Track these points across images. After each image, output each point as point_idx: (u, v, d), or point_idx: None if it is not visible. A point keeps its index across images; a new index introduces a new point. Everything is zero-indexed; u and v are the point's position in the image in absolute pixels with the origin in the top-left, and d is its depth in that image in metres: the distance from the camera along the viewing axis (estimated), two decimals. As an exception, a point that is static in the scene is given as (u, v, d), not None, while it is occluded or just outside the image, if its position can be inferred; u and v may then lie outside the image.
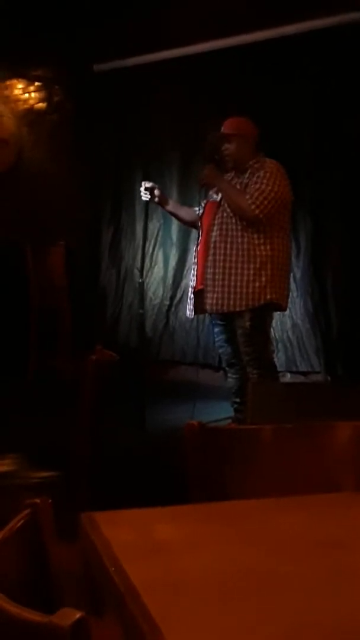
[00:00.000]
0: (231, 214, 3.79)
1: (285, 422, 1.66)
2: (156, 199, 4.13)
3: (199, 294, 3.94)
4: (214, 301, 3.81)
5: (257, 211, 3.70)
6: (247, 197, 3.72)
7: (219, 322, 3.96)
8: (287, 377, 5.04)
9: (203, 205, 4.05)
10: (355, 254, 4.93)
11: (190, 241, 5.14)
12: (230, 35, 5.11)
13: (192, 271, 4.04)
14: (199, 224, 4.03)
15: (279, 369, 4.29)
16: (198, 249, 3.99)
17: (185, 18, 5.12)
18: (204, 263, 3.89)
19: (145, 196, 4.13)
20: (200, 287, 3.92)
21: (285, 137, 4.97)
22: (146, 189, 4.11)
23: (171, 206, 4.29)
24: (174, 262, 5.61)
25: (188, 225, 4.45)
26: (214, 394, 4.62)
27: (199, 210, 4.07)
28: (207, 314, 4.12)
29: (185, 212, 4.30)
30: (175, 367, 5.62)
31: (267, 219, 3.74)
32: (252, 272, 3.75)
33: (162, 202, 4.19)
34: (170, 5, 5.24)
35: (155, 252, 5.68)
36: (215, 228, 3.84)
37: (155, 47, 5.41)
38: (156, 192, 4.13)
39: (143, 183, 4.17)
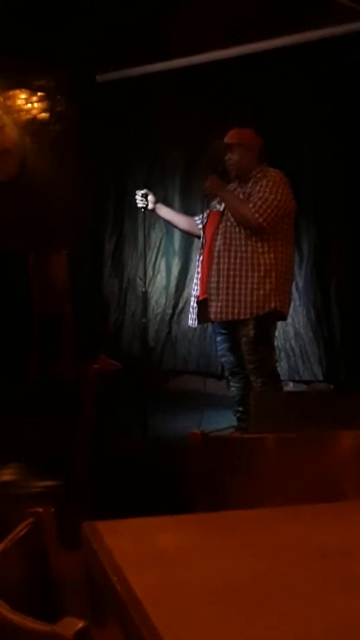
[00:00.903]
0: (235, 223, 3.80)
1: (288, 431, 1.66)
2: (150, 205, 4.15)
3: (202, 303, 3.95)
4: (219, 309, 3.81)
5: (260, 220, 3.71)
6: (251, 206, 3.73)
7: (221, 330, 3.96)
8: (290, 386, 5.04)
9: (206, 214, 4.06)
10: (358, 262, 4.93)
11: (193, 250, 5.15)
12: (232, 45, 5.14)
13: (195, 280, 4.04)
14: (202, 233, 4.03)
15: (281, 378, 4.29)
16: (202, 258, 3.99)
17: (188, 29, 5.14)
18: (208, 272, 3.89)
19: (141, 203, 4.15)
20: (203, 296, 3.93)
21: (287, 146, 4.99)
22: (142, 195, 4.14)
23: (166, 212, 4.30)
24: (176, 271, 5.62)
25: (185, 233, 4.48)
26: (217, 403, 4.61)
27: (202, 219, 4.08)
28: (209, 323, 4.13)
29: (181, 220, 4.31)
30: (177, 376, 5.62)
31: (271, 228, 3.75)
32: (256, 280, 3.75)
33: (156, 208, 4.20)
34: (173, 15, 5.27)
35: (157, 261, 5.69)
36: (219, 237, 3.85)
37: (157, 57, 5.43)
38: (150, 197, 4.15)
39: (137, 191, 4.19)
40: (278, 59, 5.03)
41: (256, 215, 3.71)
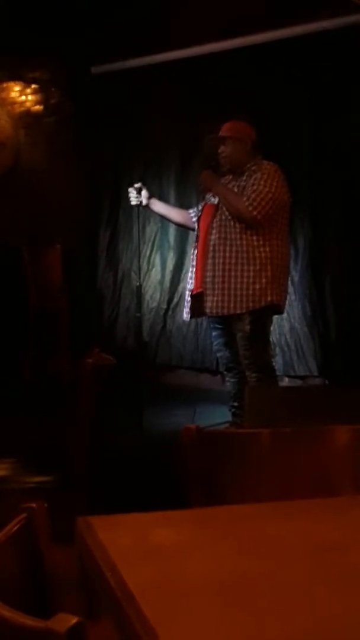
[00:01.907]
0: (230, 217, 3.79)
1: (283, 426, 1.66)
2: (144, 201, 4.14)
3: (196, 297, 3.94)
4: (214, 304, 3.80)
5: (254, 212, 3.70)
6: (245, 199, 3.72)
7: (217, 325, 3.95)
8: (285, 381, 5.04)
9: (200, 207, 4.05)
10: (354, 257, 4.93)
11: (188, 245, 5.14)
12: (229, 37, 5.12)
13: (190, 274, 4.04)
14: (197, 226, 4.02)
15: (277, 372, 4.28)
16: (196, 251, 3.99)
17: (184, 20, 5.12)
18: (202, 266, 3.88)
19: (135, 200, 4.14)
20: (198, 290, 3.92)
21: (284, 139, 4.97)
22: (136, 189, 4.12)
23: (160, 207, 4.29)
24: (171, 265, 5.61)
25: (180, 226, 4.48)
26: (212, 398, 4.61)
27: (197, 212, 4.07)
28: (204, 318, 4.12)
29: (175, 214, 4.31)
30: (172, 371, 5.62)
31: (266, 221, 3.74)
32: (252, 274, 3.74)
33: (150, 203, 4.19)
34: (169, 7, 5.25)
35: (152, 255, 5.68)
36: (214, 231, 3.84)
37: (153, 49, 5.41)
38: (143, 193, 4.14)
39: (130, 188, 4.17)
40: (276, 53, 5.01)
41: (250, 209, 3.70)
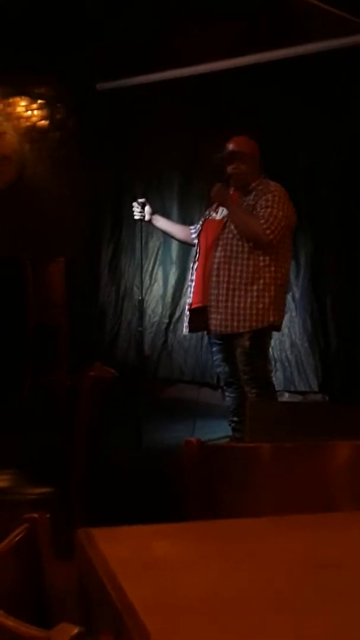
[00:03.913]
0: (237, 236, 3.78)
1: (284, 441, 1.66)
2: (147, 216, 4.16)
3: (195, 311, 3.95)
4: (218, 322, 3.80)
5: (271, 236, 3.71)
6: (263, 221, 3.72)
7: (216, 341, 3.96)
8: (285, 397, 5.04)
9: (200, 223, 4.06)
10: (355, 273, 4.95)
11: (190, 260, 5.15)
12: (231, 57, 5.17)
13: (190, 288, 4.05)
14: (197, 242, 4.03)
15: (277, 388, 4.29)
16: (196, 266, 4.00)
17: (188, 39, 5.17)
18: (202, 282, 3.89)
19: (138, 214, 4.16)
20: (197, 304, 3.93)
21: (284, 156, 5.00)
22: (139, 204, 4.14)
23: (163, 223, 4.31)
24: (173, 280, 5.63)
25: (182, 243, 4.49)
26: (212, 412, 4.61)
27: (197, 229, 4.08)
28: (205, 333, 4.13)
29: (177, 230, 4.32)
30: (173, 385, 5.62)
31: (277, 243, 3.76)
32: (255, 293, 3.75)
33: (153, 219, 4.21)
34: (173, 26, 5.30)
35: (155, 270, 5.70)
36: (219, 249, 3.82)
37: (157, 67, 5.46)
38: (146, 208, 4.16)
39: (135, 203, 4.19)
40: (276, 71, 5.05)
41: (267, 232, 3.70)
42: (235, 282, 3.77)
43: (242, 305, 3.75)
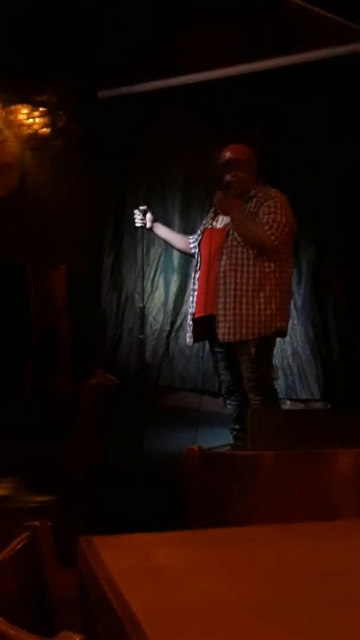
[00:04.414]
0: (241, 243, 3.78)
1: (285, 449, 1.66)
2: (148, 224, 4.16)
3: (198, 320, 3.94)
4: (226, 331, 3.78)
5: (276, 242, 3.71)
6: (267, 227, 3.72)
7: (219, 349, 3.95)
8: (287, 405, 5.03)
9: (200, 232, 4.06)
10: (356, 280, 4.95)
11: (192, 268, 5.16)
12: (234, 64, 5.19)
13: (192, 298, 4.04)
14: (197, 251, 4.03)
15: (279, 396, 4.28)
16: (197, 275, 3.99)
17: (189, 46, 5.19)
18: (205, 291, 3.88)
19: (140, 222, 4.16)
20: (200, 314, 3.92)
21: (285, 163, 5.02)
22: (141, 211, 4.15)
23: (163, 231, 4.31)
24: (174, 287, 5.63)
25: (182, 252, 4.49)
26: (214, 420, 4.60)
27: (196, 238, 4.08)
28: (206, 340, 4.12)
29: (177, 239, 4.32)
30: (174, 392, 5.61)
31: (281, 248, 3.76)
32: (262, 300, 3.75)
33: (154, 227, 4.21)
34: (175, 34, 5.31)
35: (156, 277, 5.70)
36: (224, 257, 3.82)
37: (158, 74, 5.48)
38: (148, 216, 4.16)
39: (136, 210, 4.20)
40: (279, 79, 5.07)
41: (272, 238, 3.70)
42: (242, 290, 3.76)
43: (250, 312, 3.75)
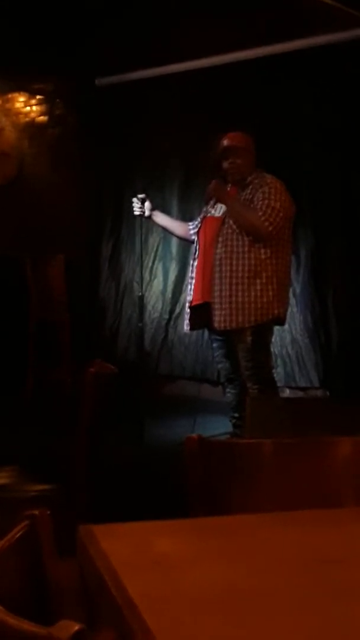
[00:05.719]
0: (236, 230, 3.78)
1: (284, 437, 1.66)
2: (147, 212, 4.16)
3: (195, 308, 3.94)
4: (222, 318, 3.79)
5: (270, 228, 3.71)
6: (261, 214, 3.71)
7: (217, 337, 3.95)
8: (286, 393, 5.03)
9: (199, 220, 4.06)
10: (356, 268, 4.94)
11: (190, 256, 5.15)
12: (232, 51, 5.16)
13: (190, 286, 4.04)
14: (196, 238, 4.03)
15: (277, 384, 4.28)
16: (196, 263, 3.99)
17: (188, 33, 5.16)
18: (202, 279, 3.89)
19: (138, 210, 4.16)
20: (197, 301, 3.92)
21: (285, 151, 5.00)
22: (140, 200, 4.14)
23: (162, 219, 4.31)
24: (173, 276, 5.62)
25: (181, 239, 4.49)
26: (213, 408, 4.61)
27: (196, 226, 4.08)
28: (205, 329, 4.12)
29: (177, 226, 4.32)
30: (173, 381, 5.61)
31: (276, 234, 3.75)
32: (258, 287, 3.75)
33: (152, 215, 4.21)
34: (173, 20, 5.28)
35: (155, 266, 5.70)
36: (219, 245, 3.82)
37: (156, 62, 5.44)
38: (146, 204, 4.16)
39: (134, 198, 4.19)
40: (278, 66, 5.05)
41: (266, 224, 3.69)
42: (237, 277, 3.76)
43: (246, 299, 3.75)
